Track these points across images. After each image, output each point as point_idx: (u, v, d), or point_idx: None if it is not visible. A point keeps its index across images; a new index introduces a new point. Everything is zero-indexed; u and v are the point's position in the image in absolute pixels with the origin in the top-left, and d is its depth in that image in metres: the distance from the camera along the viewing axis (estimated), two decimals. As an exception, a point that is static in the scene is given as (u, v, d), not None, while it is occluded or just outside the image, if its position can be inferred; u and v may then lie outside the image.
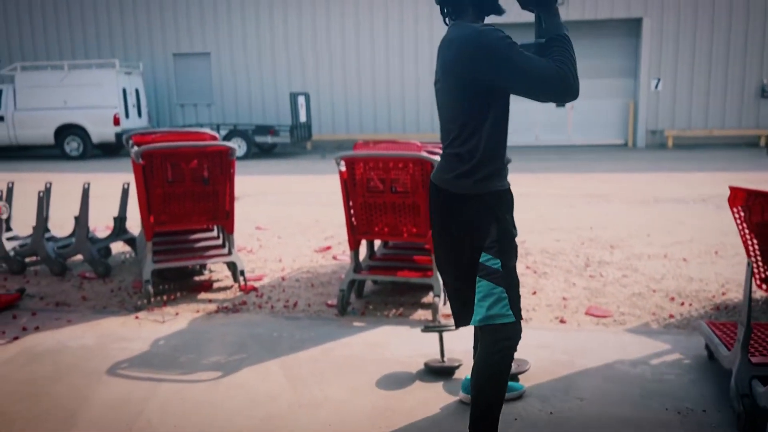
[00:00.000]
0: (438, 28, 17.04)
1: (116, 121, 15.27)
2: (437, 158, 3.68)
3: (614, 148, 16.42)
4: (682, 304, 4.18)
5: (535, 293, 4.47)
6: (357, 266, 4.21)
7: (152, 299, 4.30)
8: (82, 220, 4.99)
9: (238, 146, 9.54)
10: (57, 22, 18.34)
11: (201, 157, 4.29)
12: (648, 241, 6.02)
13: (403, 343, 3.56)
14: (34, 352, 3.53)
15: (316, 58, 17.51)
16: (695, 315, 3.98)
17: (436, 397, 2.92)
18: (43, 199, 5.07)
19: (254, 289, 4.65)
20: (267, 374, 3.20)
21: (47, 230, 5.48)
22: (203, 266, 5.06)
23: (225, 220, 4.51)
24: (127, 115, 15.67)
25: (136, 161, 4.12)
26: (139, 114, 16.41)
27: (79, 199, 4.93)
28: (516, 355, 3.31)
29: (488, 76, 2.11)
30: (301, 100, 15.57)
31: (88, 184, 4.95)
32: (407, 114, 17.62)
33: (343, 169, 3.99)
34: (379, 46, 17.35)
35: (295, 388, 3.04)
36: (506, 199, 2.29)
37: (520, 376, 3.11)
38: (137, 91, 16.33)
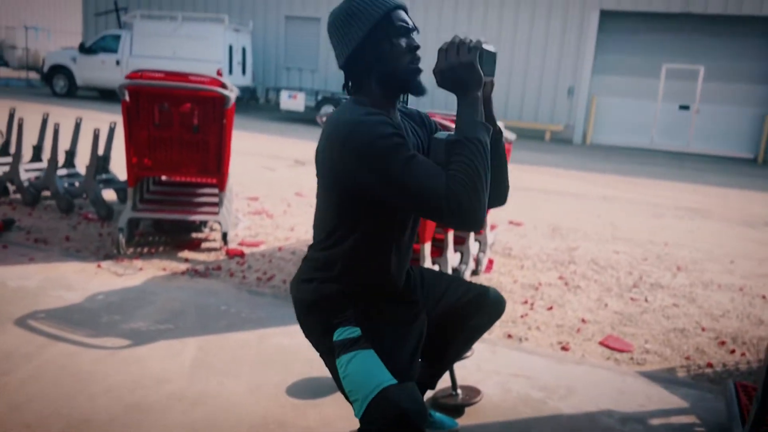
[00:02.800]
0: (522, 10, 15.85)
1: (218, 75, 15.49)
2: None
3: (740, 162, 14.53)
4: (732, 352, 3.28)
5: (551, 308, 3.71)
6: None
7: (123, 249, 3.99)
8: (91, 159, 4.79)
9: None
10: None
11: (193, 102, 3.89)
12: (728, 268, 4.98)
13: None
14: (-28, 285, 3.31)
15: (424, 36, 16.86)
16: (742, 370, 3.08)
17: (344, 417, 2.33)
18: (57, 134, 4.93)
19: (240, 254, 4.23)
20: (177, 353, 2.75)
21: (72, 165, 5.38)
22: (203, 223, 4.71)
23: (215, 174, 4.10)
24: (230, 71, 15.87)
25: (121, 97, 3.79)
26: (243, 72, 16.59)
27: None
28: (472, 382, 2.66)
29: (355, 182, 1.52)
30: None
31: (98, 128, 4.74)
32: (511, 98, 16.59)
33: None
34: (491, 30, 16.40)
35: (194, 375, 2.56)
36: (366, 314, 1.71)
37: (467, 409, 2.46)
38: (244, 49, 16.50)
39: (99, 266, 3.77)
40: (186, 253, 4.18)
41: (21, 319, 2.94)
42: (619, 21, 15.71)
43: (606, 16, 15.67)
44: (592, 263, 4.80)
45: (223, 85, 4.22)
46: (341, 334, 1.64)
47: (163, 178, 4.91)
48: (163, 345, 2.81)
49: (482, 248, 4.32)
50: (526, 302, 3.78)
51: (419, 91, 1.64)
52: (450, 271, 3.72)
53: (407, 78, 1.63)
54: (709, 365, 3.09)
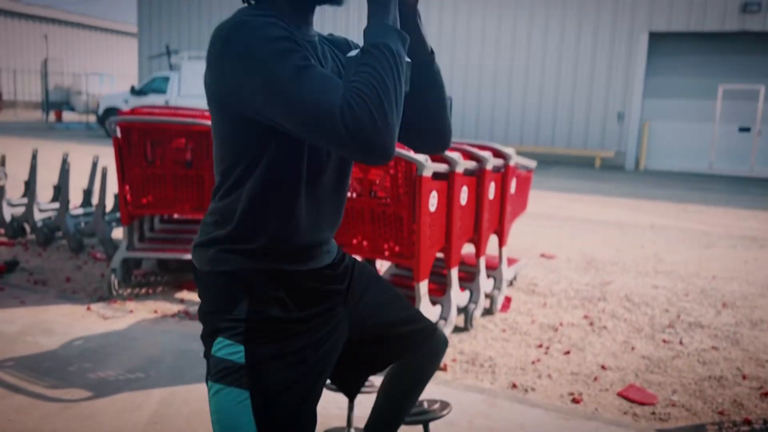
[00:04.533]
0: (568, 36, 15.38)
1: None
2: (419, 156, 2.80)
3: (809, 185, 13.55)
4: (778, 405, 2.82)
5: (568, 353, 3.33)
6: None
7: (115, 291, 3.86)
8: (100, 197, 4.73)
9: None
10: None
11: (186, 137, 3.76)
12: (783, 304, 4.46)
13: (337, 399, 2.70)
14: (-47, 330, 3.21)
15: (466, 61, 16.67)
16: (787, 428, 2.63)
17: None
18: (66, 172, 4.92)
19: (240, 295, 4.03)
20: (137, 407, 2.53)
21: (89, 204, 5.36)
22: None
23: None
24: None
25: (111, 134, 3.69)
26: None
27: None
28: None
29: (239, 99, 1.20)
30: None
31: (97, 158, 4.71)
32: (558, 124, 16.12)
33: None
34: (535, 54, 16.07)
35: (146, 432, 2.34)
36: (280, 279, 1.36)
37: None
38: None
39: (89, 309, 3.64)
40: (183, 294, 4.01)
41: (-15, 368, 2.80)
42: (669, 42, 15.12)
43: (655, 37, 15.11)
44: (625, 300, 4.37)
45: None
46: (221, 347, 1.29)
47: (175, 216, 4.80)
48: (125, 397, 2.61)
49: (497, 285, 3.98)
50: (540, 346, 3.42)
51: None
52: (455, 311, 3.41)
53: None
54: (747, 421, 2.65)
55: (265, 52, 1.14)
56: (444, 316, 3.32)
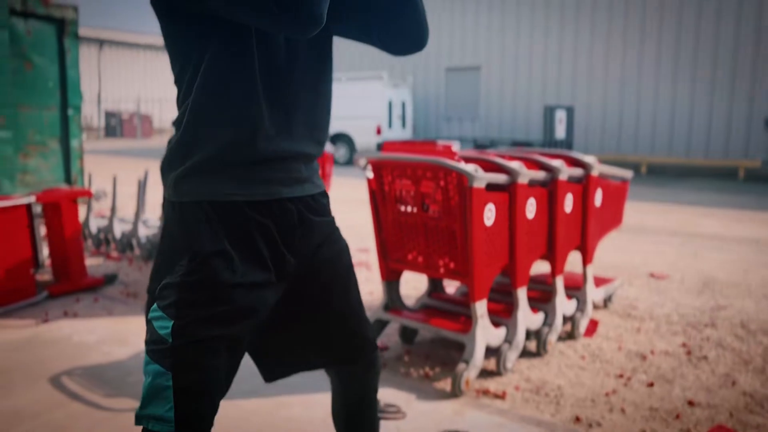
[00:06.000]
0: (721, 35, 13.98)
1: (378, 131, 15.94)
2: (467, 167, 2.63)
3: None
4: None
5: (651, 385, 2.94)
6: (387, 303, 3.27)
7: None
8: (137, 206, 5.04)
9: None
10: None
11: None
12: None
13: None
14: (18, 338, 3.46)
15: (590, 71, 15.88)
16: None
17: None
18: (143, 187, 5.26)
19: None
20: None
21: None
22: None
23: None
24: (390, 125, 16.25)
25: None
26: (403, 125, 16.90)
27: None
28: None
29: None
30: (560, 114, 14.22)
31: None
32: (695, 132, 14.84)
33: (371, 176, 3.13)
34: (666, 54, 14.96)
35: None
36: (234, 220, 1.26)
37: None
38: (403, 103, 16.84)
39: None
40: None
41: (56, 376, 2.96)
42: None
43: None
44: (739, 327, 3.82)
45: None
46: (154, 315, 1.23)
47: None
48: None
49: (580, 306, 3.64)
50: (621, 376, 3.06)
51: None
52: (522, 335, 3.14)
53: None
54: None
55: None
56: (509, 339, 3.07)
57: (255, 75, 1.23)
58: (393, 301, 3.29)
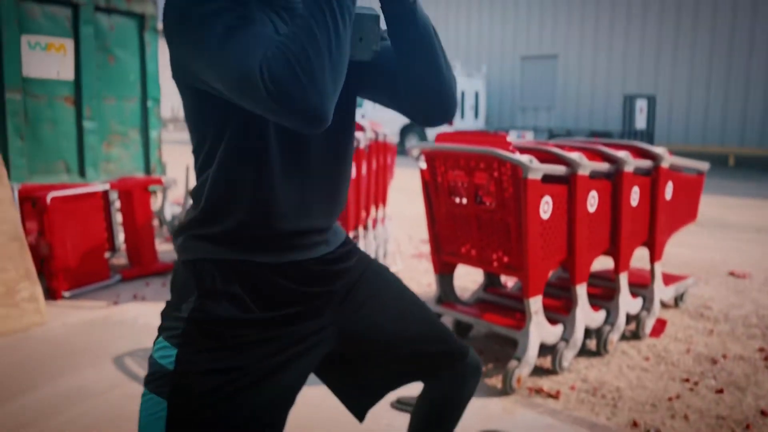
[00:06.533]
0: None
1: (450, 122, 15.75)
2: (522, 158, 2.55)
3: None
4: None
5: (720, 391, 2.76)
6: (440, 296, 3.22)
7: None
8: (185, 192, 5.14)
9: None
10: None
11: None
12: None
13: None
14: (76, 320, 3.63)
15: (674, 59, 15.09)
16: None
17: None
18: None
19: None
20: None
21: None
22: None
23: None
24: (462, 116, 16.06)
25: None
26: (476, 115, 16.66)
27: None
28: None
29: (184, 65, 1.14)
30: (641, 104, 13.60)
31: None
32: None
33: (424, 166, 3.07)
34: (761, 52, 14.00)
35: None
36: (244, 268, 1.23)
37: None
38: (477, 93, 16.59)
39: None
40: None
41: (120, 356, 3.10)
42: None
43: None
44: (826, 332, 3.53)
45: (359, 127, 4.10)
46: (158, 348, 1.19)
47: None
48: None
49: (646, 305, 3.46)
50: (687, 380, 2.88)
51: None
52: (581, 333, 3.02)
53: None
54: None
55: (194, 15, 1.06)
56: (566, 337, 2.96)
57: (270, 151, 1.20)
58: (446, 294, 3.24)
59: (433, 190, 3.07)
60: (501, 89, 18.26)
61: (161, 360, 1.17)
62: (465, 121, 16.13)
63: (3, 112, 5.39)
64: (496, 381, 2.86)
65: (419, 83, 1.25)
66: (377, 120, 16.51)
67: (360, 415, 1.52)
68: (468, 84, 16.17)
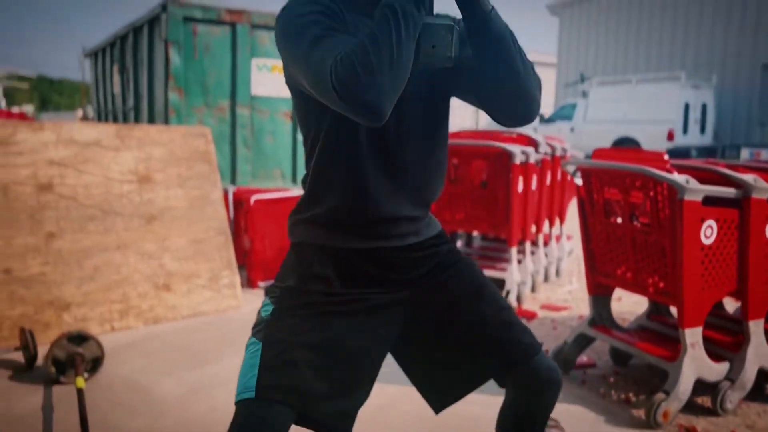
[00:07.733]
0: None
1: (670, 137, 14.55)
2: (678, 177, 2.43)
3: None
4: None
5: None
6: (594, 318, 3.09)
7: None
8: None
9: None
10: (627, 37, 18.71)
11: (482, 159, 3.96)
12: None
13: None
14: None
15: None
16: None
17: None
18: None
19: (533, 315, 3.96)
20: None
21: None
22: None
23: (503, 229, 4.03)
24: (685, 131, 14.74)
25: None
26: (702, 130, 15.16)
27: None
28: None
29: (289, 71, 1.41)
30: None
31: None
32: None
33: (580, 183, 3.00)
34: None
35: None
36: (336, 256, 1.48)
37: None
38: (704, 106, 15.09)
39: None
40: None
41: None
42: None
43: None
44: None
45: (532, 142, 4.14)
46: (263, 306, 1.49)
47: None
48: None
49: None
50: None
51: None
52: (752, 374, 2.70)
53: None
54: None
55: (293, 27, 1.30)
56: (731, 377, 2.67)
57: (360, 145, 1.39)
58: (601, 317, 3.10)
59: (589, 207, 2.98)
60: (735, 101, 16.38)
61: (263, 313, 1.46)
62: (688, 137, 14.77)
63: (234, 125, 6.28)
64: (642, 412, 2.69)
65: (498, 86, 1.35)
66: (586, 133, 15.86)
67: (436, 409, 1.61)
68: (693, 96, 14.79)
